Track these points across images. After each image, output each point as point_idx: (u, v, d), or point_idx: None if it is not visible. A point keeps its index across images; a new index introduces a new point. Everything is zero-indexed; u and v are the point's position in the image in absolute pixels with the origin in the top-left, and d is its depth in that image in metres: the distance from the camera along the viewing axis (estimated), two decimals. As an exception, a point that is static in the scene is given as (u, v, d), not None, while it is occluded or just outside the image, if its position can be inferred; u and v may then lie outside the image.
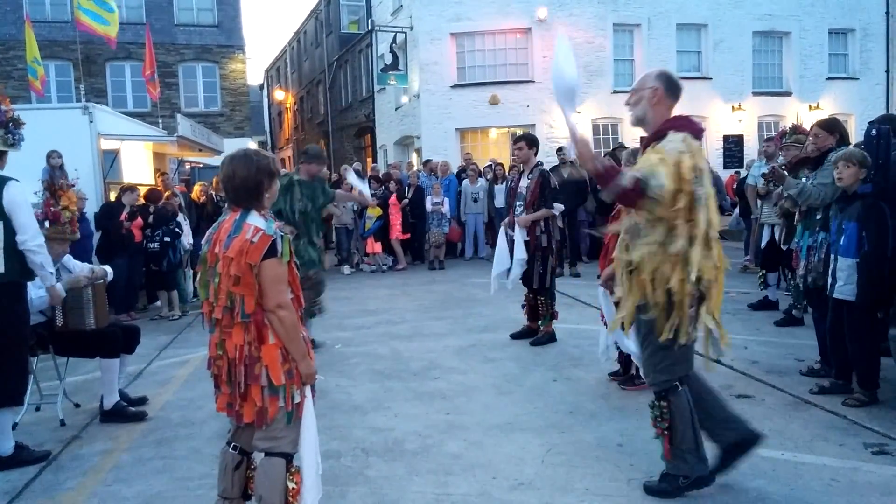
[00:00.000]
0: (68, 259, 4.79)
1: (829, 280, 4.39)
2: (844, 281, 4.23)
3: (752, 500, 3.12)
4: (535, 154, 6.20)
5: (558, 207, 6.02)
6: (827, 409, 4.19)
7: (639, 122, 3.20)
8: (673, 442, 3.13)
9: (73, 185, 4.95)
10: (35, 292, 4.30)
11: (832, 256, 4.38)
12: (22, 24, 17.00)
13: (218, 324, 2.67)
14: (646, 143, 3.17)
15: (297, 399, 2.66)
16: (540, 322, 6.19)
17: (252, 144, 24.19)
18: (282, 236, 2.61)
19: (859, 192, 4.24)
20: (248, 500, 2.82)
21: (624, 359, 4.84)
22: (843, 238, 4.26)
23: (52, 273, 4.12)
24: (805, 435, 3.85)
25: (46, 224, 4.55)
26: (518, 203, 6.10)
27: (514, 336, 6.35)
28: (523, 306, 6.38)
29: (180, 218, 8.82)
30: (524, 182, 6.08)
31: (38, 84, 12.88)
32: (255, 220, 2.62)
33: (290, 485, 2.65)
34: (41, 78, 12.92)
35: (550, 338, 6.13)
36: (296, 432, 2.68)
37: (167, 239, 8.47)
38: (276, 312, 2.57)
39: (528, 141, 6.15)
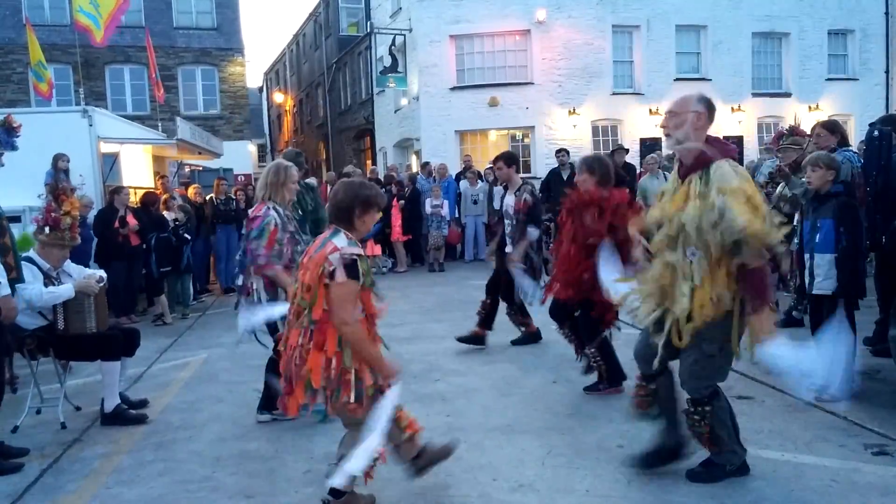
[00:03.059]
0: (68, 264, 4.79)
1: (808, 278, 4.46)
2: (823, 276, 4.32)
3: (753, 501, 3.12)
4: (517, 171, 6.19)
5: (532, 234, 5.87)
6: (827, 411, 4.19)
7: (680, 145, 3.23)
8: (716, 443, 3.27)
9: (76, 190, 4.95)
10: (38, 288, 4.30)
11: (807, 255, 4.45)
12: (21, 28, 17.04)
13: (289, 323, 3.03)
14: (687, 171, 3.19)
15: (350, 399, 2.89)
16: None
17: (252, 147, 24.27)
18: (359, 257, 2.88)
19: (832, 191, 4.32)
20: None
21: (599, 369, 4.80)
22: (818, 235, 4.34)
23: (2, 283, 3.96)
24: (805, 436, 3.85)
25: (47, 230, 4.54)
26: (506, 222, 6.08)
27: (516, 342, 6.34)
28: (479, 313, 6.31)
29: (178, 216, 8.80)
30: (509, 199, 6.03)
31: (46, 87, 12.79)
32: (340, 240, 2.89)
33: (402, 424, 3.05)
34: (49, 81, 12.83)
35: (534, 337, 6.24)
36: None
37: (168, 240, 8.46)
38: (339, 328, 2.85)
39: (505, 160, 6.08)
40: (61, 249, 4.64)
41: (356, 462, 2.87)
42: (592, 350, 4.73)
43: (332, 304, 2.83)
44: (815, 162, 4.45)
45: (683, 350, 3.22)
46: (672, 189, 3.27)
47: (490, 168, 13.16)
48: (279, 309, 3.99)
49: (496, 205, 6.49)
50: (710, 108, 3.20)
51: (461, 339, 6.24)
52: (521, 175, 7.04)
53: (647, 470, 3.43)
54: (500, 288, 6.13)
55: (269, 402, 4.43)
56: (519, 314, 6.21)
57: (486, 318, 6.25)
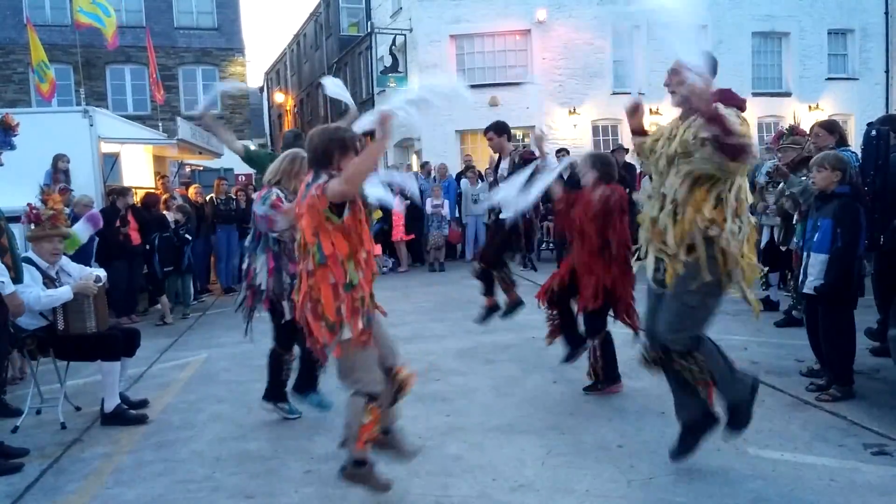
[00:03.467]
0: (67, 262, 4.79)
1: (801, 276, 4.47)
2: (815, 276, 4.32)
3: (752, 501, 3.13)
4: (508, 140, 6.13)
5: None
6: (827, 410, 4.20)
7: (683, 101, 3.25)
8: (718, 385, 3.30)
9: (70, 190, 4.99)
10: (35, 291, 4.31)
11: (804, 253, 4.46)
12: (22, 28, 17.04)
13: (299, 272, 3.12)
14: (687, 114, 3.24)
15: (347, 335, 2.98)
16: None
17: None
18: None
19: (837, 192, 4.32)
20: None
21: (596, 370, 4.81)
22: (817, 235, 4.34)
23: (2, 282, 4.00)
24: (805, 435, 3.85)
25: (32, 226, 4.59)
26: (502, 186, 6.04)
27: (506, 314, 6.08)
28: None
29: (177, 216, 8.81)
30: (504, 165, 6.01)
31: (47, 87, 12.82)
32: (322, 179, 2.98)
33: (367, 419, 3.00)
34: (51, 81, 12.85)
35: (517, 305, 6.02)
36: (374, 372, 3.08)
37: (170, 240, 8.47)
38: (345, 180, 2.92)
39: (496, 129, 6.06)
40: (49, 242, 4.63)
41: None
42: (596, 343, 4.73)
43: (337, 187, 2.92)
44: (821, 162, 4.42)
45: (665, 302, 3.28)
46: (670, 129, 3.32)
47: (490, 168, 13.18)
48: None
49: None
50: (713, 65, 3.24)
51: (481, 321, 6.09)
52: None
53: (690, 453, 3.41)
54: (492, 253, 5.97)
55: (273, 392, 4.46)
56: (506, 280, 6.10)
57: (488, 287, 6.03)
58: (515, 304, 6.07)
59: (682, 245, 3.19)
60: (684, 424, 3.45)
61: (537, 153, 5.69)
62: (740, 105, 3.21)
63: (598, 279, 4.51)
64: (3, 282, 4.00)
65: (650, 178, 3.51)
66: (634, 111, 3.57)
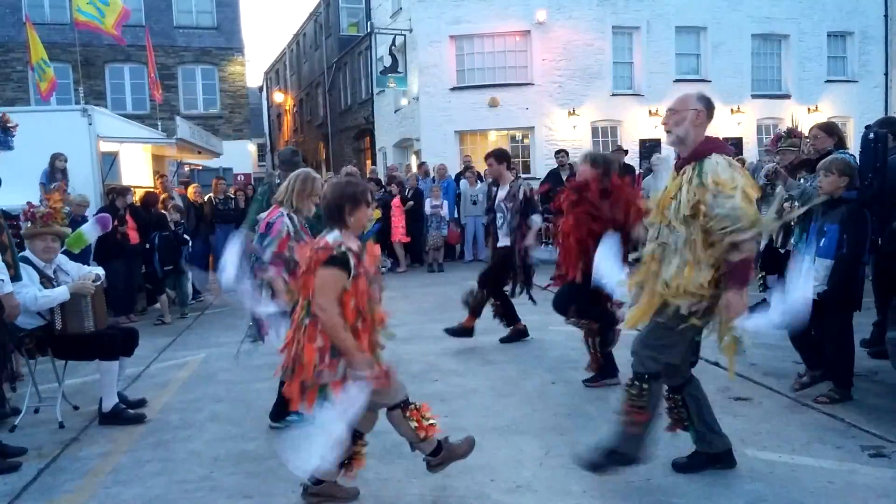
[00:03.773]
0: (65, 261, 4.79)
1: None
2: (820, 281, 4.31)
3: (750, 502, 3.13)
4: (508, 168, 6.23)
5: (536, 221, 5.99)
6: (824, 412, 4.21)
7: (680, 141, 3.31)
8: (636, 425, 3.28)
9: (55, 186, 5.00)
10: (32, 292, 4.31)
11: (807, 257, 4.46)
12: (21, 27, 17.03)
13: (293, 322, 3.17)
14: (683, 163, 3.30)
15: (325, 379, 2.97)
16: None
17: (251, 147, 24.26)
18: (344, 252, 2.95)
19: (844, 197, 4.31)
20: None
21: (597, 364, 4.87)
22: (823, 240, 4.34)
23: (1, 280, 4.01)
24: (802, 437, 3.86)
25: (28, 224, 4.60)
26: (499, 215, 6.12)
27: (504, 340, 6.37)
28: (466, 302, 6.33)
29: (174, 216, 8.81)
30: (501, 194, 6.08)
31: (46, 85, 12.79)
32: (331, 237, 3.02)
33: (413, 424, 3.09)
34: (51, 80, 12.83)
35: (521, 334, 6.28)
36: (389, 389, 3.07)
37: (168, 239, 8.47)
38: (317, 313, 2.93)
39: (496, 156, 6.14)
40: (42, 240, 4.63)
41: (309, 458, 2.89)
42: (597, 338, 4.84)
43: (315, 290, 2.94)
44: (828, 167, 4.39)
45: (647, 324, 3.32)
46: (670, 181, 3.38)
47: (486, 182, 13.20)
48: (265, 307, 4.10)
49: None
50: (709, 107, 3.31)
51: (506, 340, 6.30)
52: (522, 175, 7.09)
53: (695, 472, 3.43)
54: (490, 281, 6.15)
55: (281, 411, 4.39)
56: (502, 309, 6.21)
57: (476, 310, 6.26)
58: (522, 333, 6.33)
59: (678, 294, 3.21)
60: (705, 452, 3.48)
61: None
62: (727, 153, 3.24)
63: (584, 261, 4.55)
64: (2, 280, 4.00)
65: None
66: None
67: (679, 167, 3.32)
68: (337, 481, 3.21)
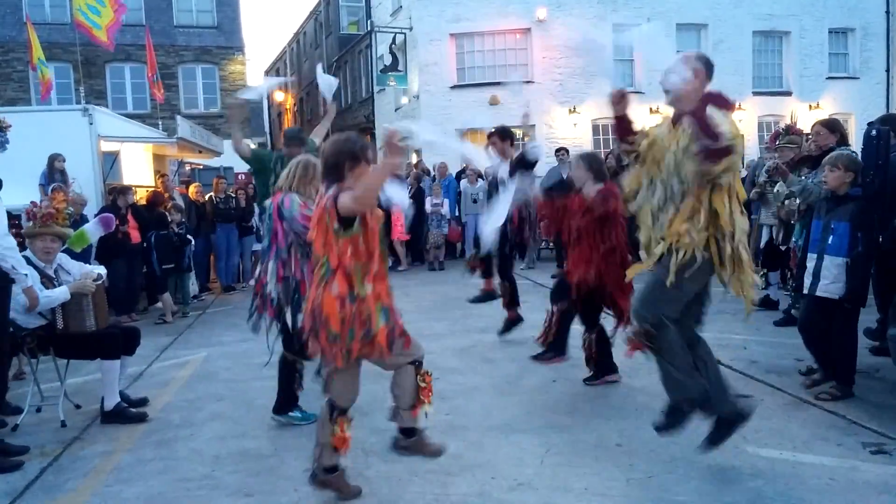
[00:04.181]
0: (66, 260, 4.79)
1: (809, 279, 4.43)
2: (831, 280, 4.29)
3: (751, 500, 3.13)
4: (511, 145, 6.18)
5: (525, 180, 5.86)
6: (826, 409, 4.20)
7: (678, 101, 3.32)
8: (662, 368, 3.32)
9: (54, 187, 4.99)
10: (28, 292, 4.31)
11: (811, 255, 4.44)
12: (21, 26, 17.04)
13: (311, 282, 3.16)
14: (679, 116, 3.30)
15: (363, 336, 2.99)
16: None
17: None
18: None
19: (851, 194, 4.29)
20: None
21: (595, 361, 4.88)
22: (831, 238, 4.31)
23: (25, 275, 4.10)
24: (804, 434, 3.85)
25: (30, 223, 4.62)
26: (501, 190, 6.08)
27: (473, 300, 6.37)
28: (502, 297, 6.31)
29: (175, 216, 8.82)
30: (504, 168, 6.02)
31: (43, 86, 12.84)
32: (332, 191, 2.99)
33: (421, 384, 3.12)
34: (46, 81, 12.85)
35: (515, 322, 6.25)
36: (346, 386, 3.13)
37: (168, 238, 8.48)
38: (354, 201, 2.88)
39: (500, 134, 6.10)
40: (41, 240, 4.64)
41: None
42: (591, 337, 4.81)
43: (342, 205, 2.91)
44: (834, 162, 4.36)
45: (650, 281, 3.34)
46: (664, 132, 3.37)
47: (490, 167, 13.18)
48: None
49: (489, 174, 6.48)
50: (707, 65, 3.33)
51: (502, 332, 6.28)
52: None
53: (718, 446, 3.44)
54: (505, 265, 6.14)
55: (284, 404, 4.40)
56: (509, 293, 6.20)
57: (512, 300, 6.25)
58: (514, 322, 6.28)
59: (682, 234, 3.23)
60: (717, 416, 3.44)
61: (527, 147, 5.78)
62: (729, 107, 3.24)
63: (592, 272, 4.56)
64: (25, 274, 4.09)
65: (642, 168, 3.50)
66: (620, 98, 3.50)
67: (675, 120, 3.31)
68: (344, 475, 3.22)
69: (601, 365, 4.88)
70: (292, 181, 4.26)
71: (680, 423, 3.43)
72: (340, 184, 3.02)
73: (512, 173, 5.90)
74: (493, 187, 6.24)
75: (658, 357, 3.33)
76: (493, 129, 6.26)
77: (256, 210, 9.13)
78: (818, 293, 4.39)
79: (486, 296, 6.28)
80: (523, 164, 5.96)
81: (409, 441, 3.23)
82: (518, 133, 18.20)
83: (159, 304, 8.75)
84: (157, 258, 8.32)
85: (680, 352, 3.31)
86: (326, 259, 3.00)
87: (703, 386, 3.34)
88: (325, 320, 2.98)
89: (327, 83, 6.13)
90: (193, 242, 9.01)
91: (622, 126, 3.53)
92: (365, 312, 3.01)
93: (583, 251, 4.65)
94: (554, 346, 4.94)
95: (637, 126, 3.55)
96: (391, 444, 3.31)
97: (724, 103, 3.21)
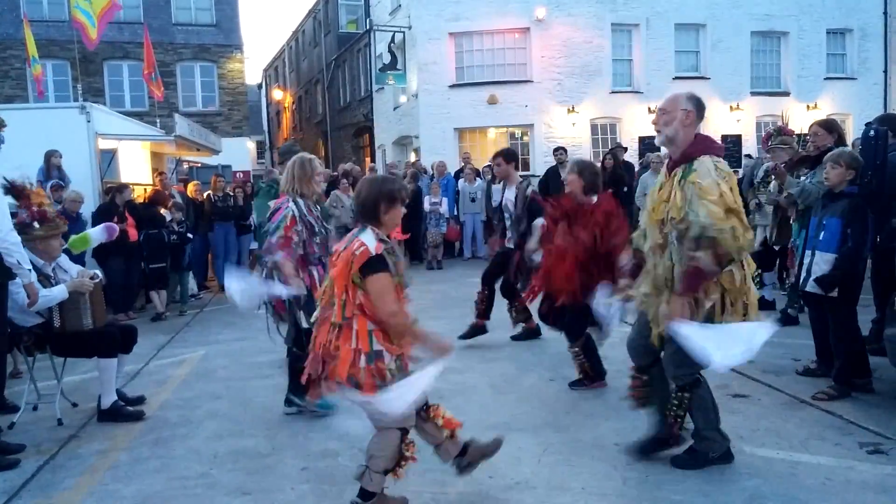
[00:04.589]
0: (64, 259, 4.78)
1: (803, 275, 4.47)
2: (820, 275, 4.31)
3: (748, 499, 3.13)
4: (516, 168, 6.20)
5: (538, 225, 5.92)
6: (822, 409, 4.21)
7: (669, 141, 3.35)
8: (696, 426, 3.44)
9: (53, 184, 4.92)
10: (24, 296, 4.30)
11: (807, 252, 4.47)
12: (19, 24, 17.00)
13: (318, 320, 3.06)
14: (673, 164, 3.34)
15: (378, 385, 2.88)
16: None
17: (250, 144, 24.24)
18: (386, 251, 2.91)
19: (846, 191, 4.31)
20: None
21: (582, 366, 4.86)
22: (822, 234, 4.33)
23: (29, 270, 4.12)
24: (800, 434, 3.86)
25: (36, 225, 4.54)
26: (506, 215, 6.10)
27: (516, 338, 6.36)
28: (476, 304, 6.34)
29: (176, 215, 8.81)
30: (509, 195, 6.06)
31: (36, 80, 12.86)
32: (366, 237, 2.93)
33: (406, 453, 3.02)
34: (37, 78, 12.85)
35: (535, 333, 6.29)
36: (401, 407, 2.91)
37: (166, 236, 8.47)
38: (388, 321, 2.88)
39: (505, 156, 6.09)
40: (56, 240, 4.66)
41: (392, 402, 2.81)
42: (576, 349, 4.80)
43: (374, 301, 2.87)
44: (836, 159, 4.38)
45: (667, 339, 3.34)
46: (661, 183, 3.41)
47: (489, 165, 13.17)
48: (280, 289, 4.13)
49: (496, 201, 6.47)
50: (698, 107, 3.33)
51: (463, 337, 6.25)
52: (520, 173, 7.05)
53: (641, 458, 3.54)
54: (501, 281, 6.17)
55: (298, 388, 4.38)
56: (521, 311, 6.22)
57: (486, 309, 6.28)
58: (533, 332, 6.31)
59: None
60: (654, 433, 3.58)
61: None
62: (718, 153, 3.26)
63: (582, 277, 4.52)
64: (29, 270, 4.09)
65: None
66: None
67: (671, 169, 3.35)
68: (385, 493, 3.09)
69: (592, 371, 4.84)
70: (293, 183, 4.30)
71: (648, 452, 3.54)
72: (376, 225, 2.98)
73: (519, 206, 5.89)
74: (499, 212, 6.26)
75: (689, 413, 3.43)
76: (497, 152, 6.22)
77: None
78: (808, 288, 4.45)
79: (476, 331, 6.30)
80: (532, 215, 5.89)
81: (468, 456, 3.16)
82: (518, 132, 18.31)
83: (162, 301, 8.74)
84: (147, 257, 8.31)
85: (712, 407, 3.44)
86: (344, 304, 2.92)
87: (727, 445, 3.48)
88: (335, 369, 2.90)
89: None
90: (191, 241, 9.00)
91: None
92: (383, 370, 2.92)
93: (560, 256, 4.61)
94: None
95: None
96: (456, 470, 3.20)
97: (714, 149, 3.25)
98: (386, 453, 2.97)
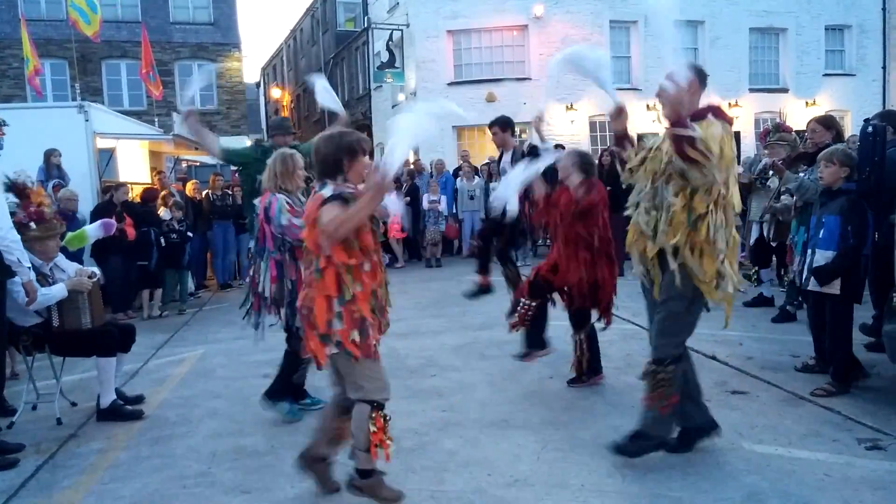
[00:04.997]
0: (61, 259, 4.78)
1: (804, 273, 4.47)
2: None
3: (746, 496, 3.14)
4: (512, 135, 6.13)
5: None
6: (821, 405, 4.21)
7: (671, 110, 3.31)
8: (665, 407, 3.39)
9: (55, 184, 4.93)
10: (23, 296, 4.29)
11: (808, 250, 4.47)
12: (17, 23, 16.95)
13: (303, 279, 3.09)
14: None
15: (355, 337, 2.90)
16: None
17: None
18: (340, 192, 2.89)
19: (843, 188, 4.31)
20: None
21: (578, 365, 4.85)
22: (822, 231, 4.34)
23: (29, 268, 4.12)
24: (799, 430, 3.86)
25: (33, 225, 4.54)
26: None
27: (468, 296, 6.27)
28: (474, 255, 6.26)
29: (177, 214, 8.80)
30: (507, 158, 6.00)
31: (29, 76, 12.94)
32: (326, 190, 2.93)
33: (372, 428, 2.91)
34: (29, 77, 12.91)
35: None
36: (378, 380, 2.97)
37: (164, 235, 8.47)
38: (336, 233, 2.81)
39: (500, 124, 6.05)
40: (53, 240, 4.65)
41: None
42: (580, 338, 4.77)
43: (324, 226, 2.83)
44: (829, 157, 4.39)
45: (656, 311, 3.41)
46: (660, 143, 3.40)
47: (487, 163, 13.16)
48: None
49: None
50: (700, 76, 3.36)
51: (469, 296, 6.18)
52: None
53: (683, 452, 3.54)
54: (495, 241, 6.05)
55: (276, 392, 4.39)
56: (515, 274, 6.13)
57: (483, 264, 6.15)
58: (483, 288, 6.18)
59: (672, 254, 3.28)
60: (687, 426, 3.56)
61: (535, 136, 5.73)
62: (728, 121, 3.27)
63: (584, 278, 4.53)
64: (29, 268, 4.08)
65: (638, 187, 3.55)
66: (619, 114, 3.55)
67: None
68: (383, 480, 3.05)
69: (590, 365, 4.81)
70: (276, 180, 4.27)
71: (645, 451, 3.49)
72: (338, 180, 2.97)
73: (517, 156, 5.84)
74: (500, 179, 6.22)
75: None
76: (493, 120, 6.20)
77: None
78: (809, 287, 4.44)
79: (481, 290, 6.24)
80: (534, 155, 5.87)
81: (364, 482, 3.02)
82: (516, 130, 18.29)
83: (152, 302, 8.74)
84: (134, 255, 8.30)
85: (693, 378, 3.48)
86: (317, 258, 2.94)
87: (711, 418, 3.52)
88: (314, 321, 2.93)
89: (327, 97, 6.04)
90: (191, 239, 9.00)
91: (620, 141, 3.60)
92: (356, 313, 2.93)
93: (570, 251, 4.61)
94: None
95: (634, 140, 3.62)
96: (346, 483, 3.10)
97: (722, 116, 3.25)
98: (363, 427, 2.93)
